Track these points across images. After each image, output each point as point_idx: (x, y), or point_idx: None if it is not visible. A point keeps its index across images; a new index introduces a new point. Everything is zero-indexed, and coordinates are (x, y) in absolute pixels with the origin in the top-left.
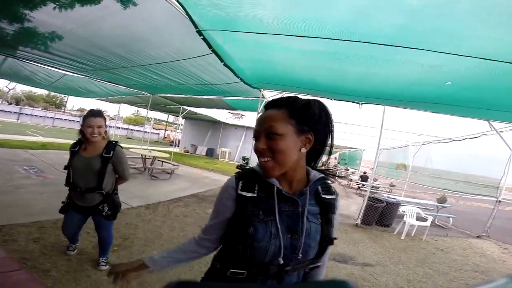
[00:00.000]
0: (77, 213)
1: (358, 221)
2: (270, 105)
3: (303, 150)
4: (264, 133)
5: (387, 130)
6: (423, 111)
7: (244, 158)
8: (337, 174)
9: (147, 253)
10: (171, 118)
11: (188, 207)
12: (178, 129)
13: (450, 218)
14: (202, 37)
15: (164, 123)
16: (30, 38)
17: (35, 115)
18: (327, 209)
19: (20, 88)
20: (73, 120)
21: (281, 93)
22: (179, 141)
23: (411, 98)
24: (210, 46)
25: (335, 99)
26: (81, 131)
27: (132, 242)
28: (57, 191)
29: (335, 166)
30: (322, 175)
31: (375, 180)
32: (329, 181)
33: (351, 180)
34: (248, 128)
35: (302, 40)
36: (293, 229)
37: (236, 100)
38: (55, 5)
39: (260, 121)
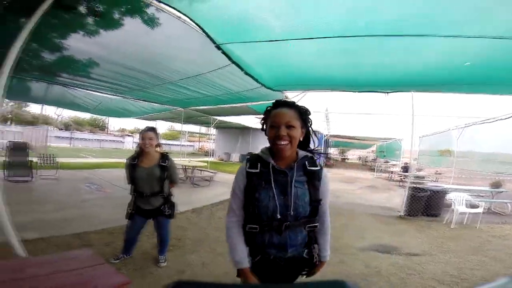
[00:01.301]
0: (141, 217)
1: (402, 213)
2: (282, 104)
3: (300, 139)
4: (284, 125)
5: (423, 116)
6: (455, 93)
7: None
8: (327, 154)
9: (199, 252)
10: (203, 129)
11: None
12: (210, 139)
13: (508, 204)
14: (221, 51)
15: (197, 135)
16: (69, 65)
17: (84, 139)
18: (312, 177)
19: (67, 114)
20: (116, 141)
21: (302, 92)
22: (213, 150)
23: (436, 81)
24: (229, 58)
25: (359, 91)
26: (139, 145)
27: (184, 243)
28: (115, 203)
29: (374, 159)
30: (307, 153)
31: (419, 170)
32: (316, 158)
33: (391, 172)
34: None
35: (316, 40)
36: (284, 192)
37: (260, 105)
38: (84, 32)
39: (280, 116)
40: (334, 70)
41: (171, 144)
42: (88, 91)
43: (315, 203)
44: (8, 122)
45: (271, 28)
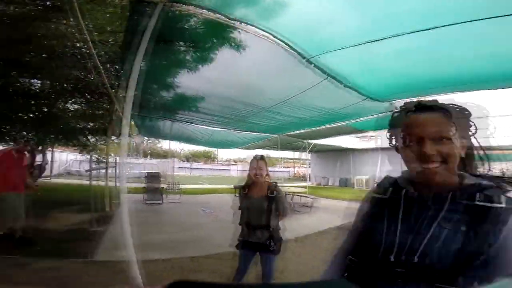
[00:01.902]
0: (249, 249)
1: None
2: (422, 107)
3: (462, 154)
4: (429, 138)
5: None
6: None
7: None
8: None
9: None
10: (298, 154)
11: (337, 240)
12: (305, 164)
13: None
14: (313, 65)
15: (291, 160)
16: (183, 101)
17: (200, 168)
18: (483, 217)
19: (187, 148)
20: (223, 169)
21: (416, 98)
22: (309, 175)
23: None
24: (323, 72)
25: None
26: (249, 175)
27: (288, 276)
28: (224, 226)
29: None
30: (482, 181)
31: None
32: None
33: None
34: (382, 149)
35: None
36: (414, 230)
37: (363, 122)
38: (187, 70)
39: (422, 124)
40: (462, 65)
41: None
42: (199, 125)
43: (470, 259)
44: (148, 156)
45: (367, 27)
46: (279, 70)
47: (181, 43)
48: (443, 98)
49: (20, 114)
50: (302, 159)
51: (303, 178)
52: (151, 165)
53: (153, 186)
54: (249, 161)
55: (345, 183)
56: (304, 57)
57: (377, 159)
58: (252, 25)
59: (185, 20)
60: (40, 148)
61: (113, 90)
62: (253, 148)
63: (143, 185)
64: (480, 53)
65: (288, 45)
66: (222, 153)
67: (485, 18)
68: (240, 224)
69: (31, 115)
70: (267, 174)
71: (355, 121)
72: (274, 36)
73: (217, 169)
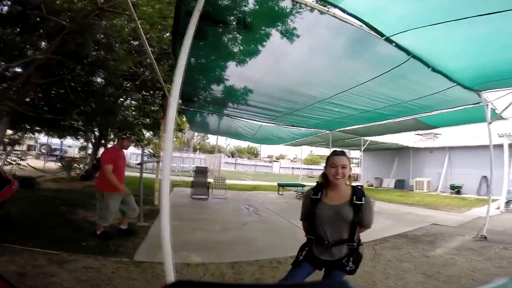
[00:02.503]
0: (311, 265)
1: None
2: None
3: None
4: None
5: None
6: None
7: (453, 187)
8: None
9: None
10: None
11: (400, 250)
12: (357, 163)
13: None
14: (393, 44)
15: None
16: (232, 95)
17: (244, 164)
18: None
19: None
20: (266, 166)
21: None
22: (358, 175)
23: None
24: (408, 53)
25: None
26: (324, 174)
27: None
28: (270, 228)
29: None
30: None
31: None
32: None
33: None
34: (451, 148)
35: None
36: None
37: (436, 116)
38: (235, 62)
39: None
40: None
41: (313, 169)
42: (247, 120)
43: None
44: (197, 152)
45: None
46: (347, 51)
47: (232, 26)
48: None
49: (81, 108)
50: (354, 158)
51: (354, 179)
52: (200, 159)
53: (200, 181)
54: (328, 156)
55: (402, 186)
56: (382, 36)
57: (442, 160)
58: None
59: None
60: (102, 141)
61: (167, 86)
62: (300, 145)
63: (191, 179)
64: None
65: (365, 22)
66: (265, 150)
67: None
68: (308, 236)
69: (89, 108)
70: (349, 176)
71: (426, 115)
72: (343, 10)
73: (260, 165)
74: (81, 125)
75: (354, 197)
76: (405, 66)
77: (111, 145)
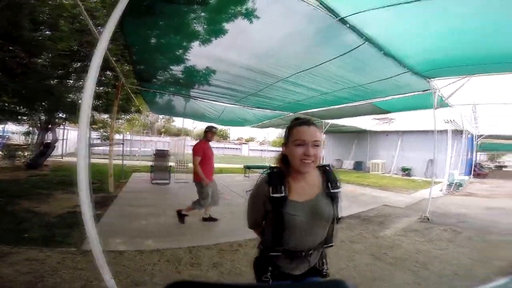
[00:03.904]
0: (280, 283)
1: None
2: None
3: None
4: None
5: None
6: None
7: (404, 169)
8: None
9: None
10: None
11: (352, 230)
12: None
13: None
14: (347, 25)
15: None
16: (194, 76)
17: (212, 147)
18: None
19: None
20: (235, 148)
21: (460, 79)
22: (322, 157)
23: None
24: (361, 35)
25: None
26: (283, 157)
27: None
28: (233, 211)
29: None
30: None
31: None
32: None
33: None
34: (404, 132)
35: None
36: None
37: (391, 101)
38: (199, 42)
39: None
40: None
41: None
42: (211, 102)
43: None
44: (162, 135)
45: None
46: (307, 32)
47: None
48: None
49: (23, 92)
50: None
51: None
52: (164, 143)
53: (161, 165)
54: (289, 126)
55: (360, 167)
56: (336, 16)
57: (396, 143)
58: None
59: None
60: (49, 126)
61: (119, 65)
62: (267, 127)
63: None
64: None
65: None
66: (235, 132)
67: None
68: (274, 253)
69: (24, 91)
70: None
71: (379, 100)
72: None
73: (229, 148)
74: (23, 109)
75: (329, 183)
76: (361, 49)
77: (198, 140)
